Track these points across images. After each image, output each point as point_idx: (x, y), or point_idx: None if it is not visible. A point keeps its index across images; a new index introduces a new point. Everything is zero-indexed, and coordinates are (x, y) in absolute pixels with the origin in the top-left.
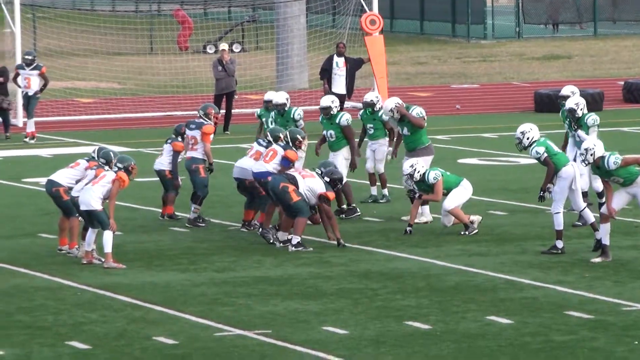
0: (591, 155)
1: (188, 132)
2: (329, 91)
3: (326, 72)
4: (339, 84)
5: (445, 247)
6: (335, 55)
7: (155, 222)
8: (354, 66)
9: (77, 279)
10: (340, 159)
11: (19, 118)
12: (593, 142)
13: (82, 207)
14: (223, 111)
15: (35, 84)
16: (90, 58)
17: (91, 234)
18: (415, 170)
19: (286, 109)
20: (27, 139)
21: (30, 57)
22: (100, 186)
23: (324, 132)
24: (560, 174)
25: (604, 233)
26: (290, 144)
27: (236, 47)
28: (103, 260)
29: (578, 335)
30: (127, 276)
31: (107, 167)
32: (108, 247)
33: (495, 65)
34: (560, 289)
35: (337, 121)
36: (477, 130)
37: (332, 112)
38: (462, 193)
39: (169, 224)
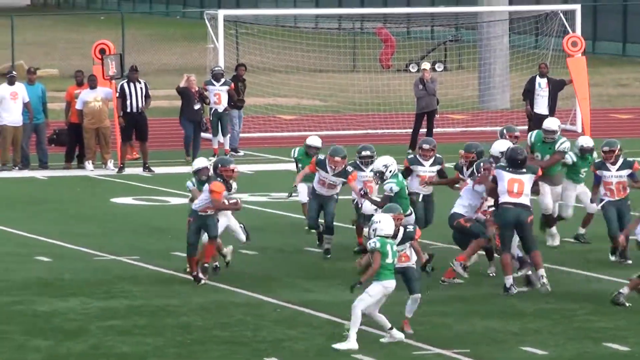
0: None
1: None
2: (530, 112)
3: (529, 93)
4: (542, 105)
5: None
6: (537, 76)
7: (354, 239)
8: (556, 87)
9: (276, 295)
10: None
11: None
12: None
13: None
14: (424, 130)
15: (224, 99)
16: (292, 74)
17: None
18: None
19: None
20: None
21: (219, 73)
22: None
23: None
24: None
25: None
26: None
27: (438, 66)
28: None
29: None
30: (327, 293)
31: None
32: None
33: None
34: None
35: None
36: None
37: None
38: None
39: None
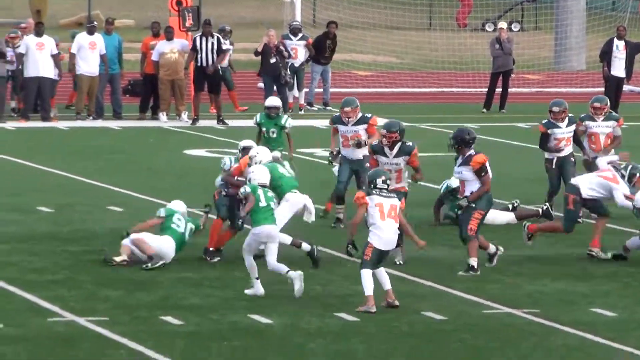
0: None
1: None
2: (608, 74)
3: (606, 55)
4: (619, 67)
5: None
6: (615, 38)
7: (429, 197)
8: (633, 50)
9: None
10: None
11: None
12: None
13: None
14: (499, 90)
15: (301, 54)
16: (368, 31)
17: None
18: None
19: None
20: (301, 111)
21: (297, 27)
22: None
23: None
24: None
25: None
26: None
27: (515, 26)
28: None
29: None
30: (395, 250)
31: None
32: None
33: None
34: None
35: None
36: None
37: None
38: None
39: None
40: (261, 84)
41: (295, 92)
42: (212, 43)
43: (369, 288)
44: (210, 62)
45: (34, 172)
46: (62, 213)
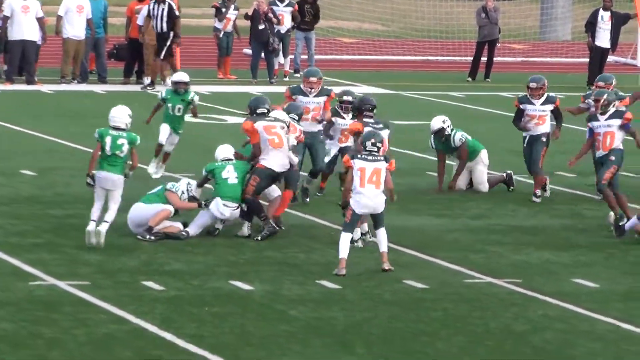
0: None
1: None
2: (592, 44)
3: (591, 26)
4: (603, 38)
5: None
6: (601, 9)
7: (413, 165)
8: (619, 21)
9: (331, 218)
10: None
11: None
12: None
13: None
14: (485, 59)
15: (287, 21)
16: None
17: None
18: None
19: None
20: (286, 78)
21: None
22: None
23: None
24: None
25: None
26: None
27: None
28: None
29: None
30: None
31: None
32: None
33: None
34: None
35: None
36: None
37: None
38: None
39: (425, 168)
40: (247, 50)
41: (281, 58)
42: (163, 9)
43: (342, 252)
44: (160, 28)
45: (17, 135)
46: (45, 177)
